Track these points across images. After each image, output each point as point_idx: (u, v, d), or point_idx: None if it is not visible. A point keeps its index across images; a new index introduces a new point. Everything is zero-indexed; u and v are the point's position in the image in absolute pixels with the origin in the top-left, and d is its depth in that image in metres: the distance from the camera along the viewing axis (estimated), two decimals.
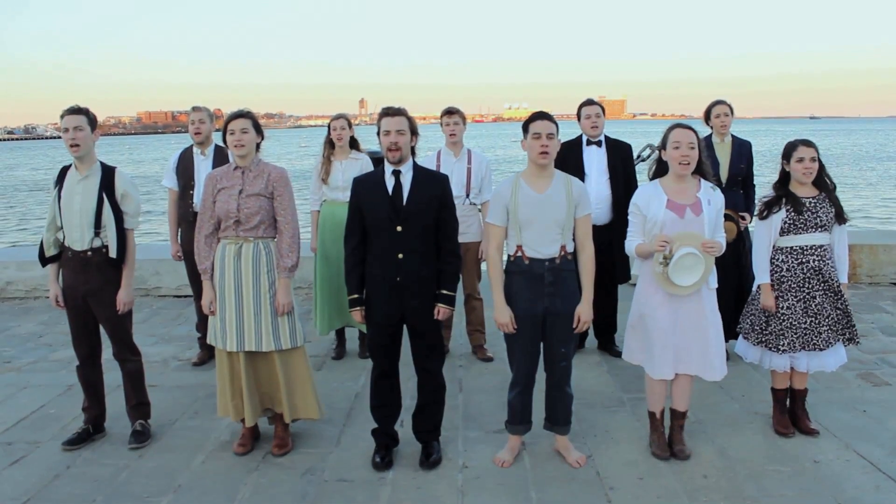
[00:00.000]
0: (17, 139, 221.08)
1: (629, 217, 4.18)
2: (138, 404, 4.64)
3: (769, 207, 4.32)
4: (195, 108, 5.94)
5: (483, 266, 5.60)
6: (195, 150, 5.92)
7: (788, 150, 4.34)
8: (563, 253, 3.95)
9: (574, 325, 4.01)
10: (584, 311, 4.00)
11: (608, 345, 6.09)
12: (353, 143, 6.00)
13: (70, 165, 4.40)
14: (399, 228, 3.95)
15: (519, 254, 3.96)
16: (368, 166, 5.71)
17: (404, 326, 4.15)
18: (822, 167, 4.31)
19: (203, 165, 5.81)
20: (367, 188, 4.05)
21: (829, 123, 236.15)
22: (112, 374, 4.82)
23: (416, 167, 4.08)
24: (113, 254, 4.35)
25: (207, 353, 6.07)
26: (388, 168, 4.02)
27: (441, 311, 4.04)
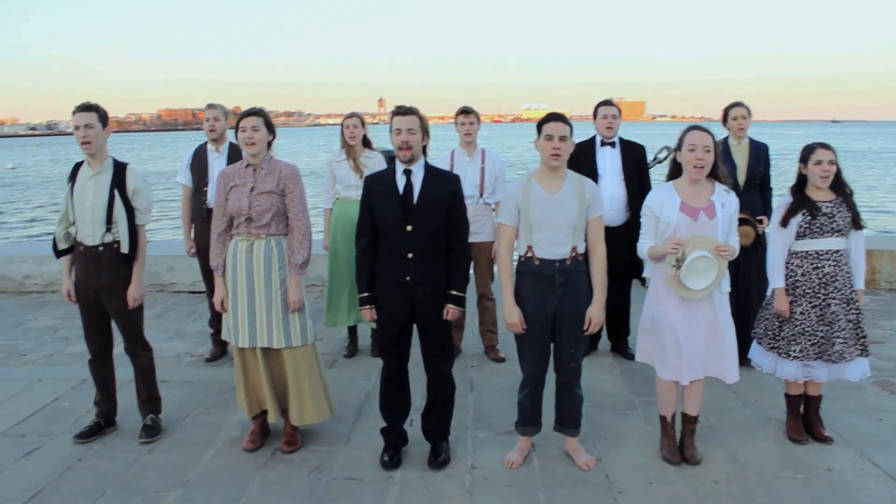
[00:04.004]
0: (39, 135, 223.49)
1: (642, 219, 4.14)
2: (149, 399, 4.66)
3: (790, 216, 4.26)
4: (210, 106, 5.97)
5: (496, 266, 5.59)
6: (210, 147, 5.95)
7: (806, 153, 4.29)
8: (574, 254, 3.92)
9: (585, 328, 3.98)
10: (596, 314, 3.97)
11: (621, 347, 6.05)
12: (366, 142, 6.01)
13: (83, 161, 4.43)
14: (409, 228, 3.93)
15: (529, 254, 3.94)
16: (381, 165, 5.72)
17: (414, 326, 4.14)
18: (839, 171, 4.25)
19: (217, 162, 5.84)
20: (378, 187, 4.04)
21: (852, 127, 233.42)
22: (124, 369, 4.84)
23: (427, 167, 4.06)
24: (124, 249, 4.37)
25: (220, 349, 6.11)
26: (400, 167, 4.01)
27: (450, 311, 4.03)
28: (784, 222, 4.28)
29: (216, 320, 5.96)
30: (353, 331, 6.27)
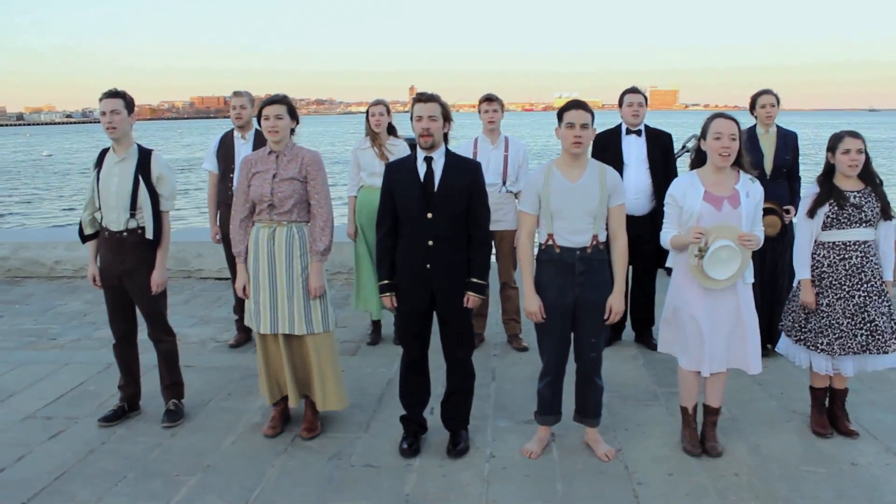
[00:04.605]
0: (75, 122, 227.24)
1: (665, 208, 4.08)
2: (172, 384, 4.71)
3: (817, 206, 4.17)
4: (236, 94, 6.01)
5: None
6: (236, 134, 5.99)
7: (834, 142, 4.19)
8: (594, 242, 3.88)
9: (605, 317, 3.95)
10: (616, 302, 3.93)
11: (645, 337, 6.00)
12: (391, 129, 6.00)
13: (109, 148, 4.48)
14: (429, 215, 3.92)
15: (550, 242, 3.91)
16: (406, 152, 5.71)
17: (434, 314, 4.13)
18: (868, 160, 4.16)
19: (244, 150, 5.86)
20: (398, 174, 4.03)
21: (891, 116, 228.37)
22: (149, 354, 4.89)
23: (448, 154, 4.04)
24: (149, 235, 4.42)
25: (244, 335, 6.15)
26: (421, 154, 4.00)
27: (470, 299, 4.01)
28: (811, 213, 4.20)
29: (241, 306, 6.01)
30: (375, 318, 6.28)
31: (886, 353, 4.14)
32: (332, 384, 4.39)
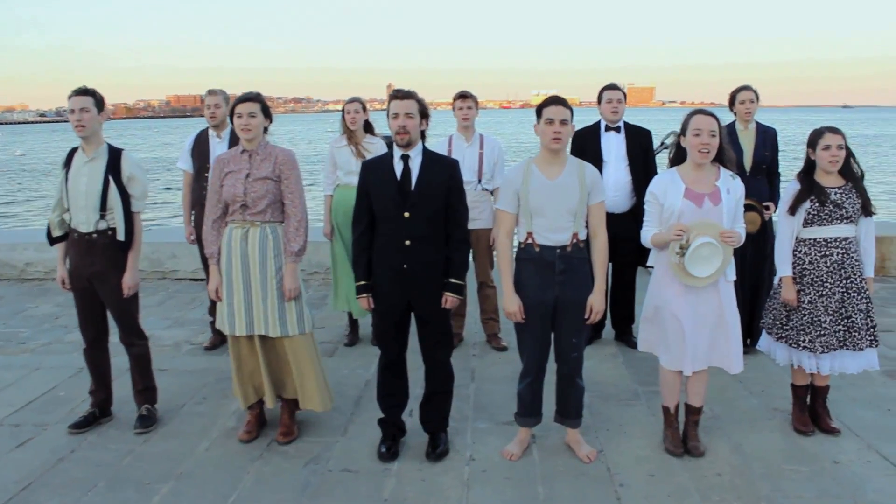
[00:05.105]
0: (48, 121, 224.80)
1: (645, 206, 4.03)
2: (144, 389, 4.60)
3: (798, 203, 4.15)
4: (210, 92, 5.89)
5: (495, 254, 5.50)
6: (211, 132, 5.88)
7: (814, 138, 4.17)
8: (574, 240, 3.82)
9: (586, 316, 3.89)
10: (597, 301, 3.87)
11: (625, 336, 5.96)
12: (368, 127, 5.92)
13: (78, 147, 4.36)
14: (406, 214, 3.84)
15: (529, 241, 3.84)
16: (383, 150, 5.63)
17: (412, 314, 4.05)
18: (849, 155, 4.14)
19: (219, 148, 5.76)
20: (375, 172, 3.95)
21: (864, 112, 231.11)
22: (121, 358, 4.77)
23: (425, 152, 3.96)
24: (120, 236, 4.31)
25: (219, 338, 6.05)
26: (397, 152, 3.92)
27: (448, 299, 3.94)
28: (792, 210, 4.17)
29: (216, 308, 5.90)
30: (353, 319, 6.19)
31: (862, 349, 4.13)
32: (311, 385, 4.29)
